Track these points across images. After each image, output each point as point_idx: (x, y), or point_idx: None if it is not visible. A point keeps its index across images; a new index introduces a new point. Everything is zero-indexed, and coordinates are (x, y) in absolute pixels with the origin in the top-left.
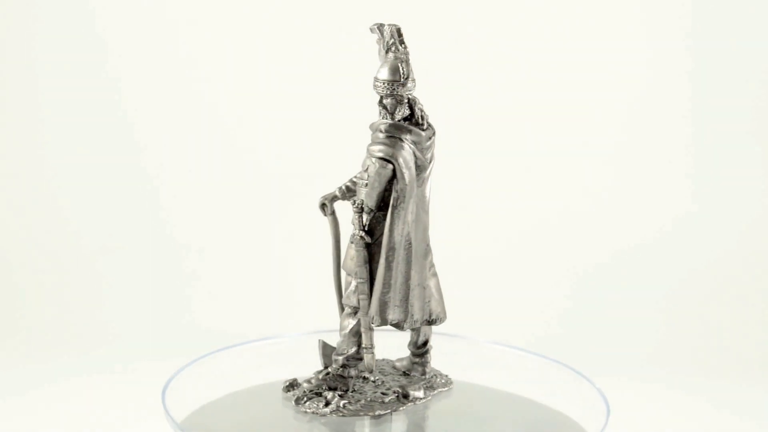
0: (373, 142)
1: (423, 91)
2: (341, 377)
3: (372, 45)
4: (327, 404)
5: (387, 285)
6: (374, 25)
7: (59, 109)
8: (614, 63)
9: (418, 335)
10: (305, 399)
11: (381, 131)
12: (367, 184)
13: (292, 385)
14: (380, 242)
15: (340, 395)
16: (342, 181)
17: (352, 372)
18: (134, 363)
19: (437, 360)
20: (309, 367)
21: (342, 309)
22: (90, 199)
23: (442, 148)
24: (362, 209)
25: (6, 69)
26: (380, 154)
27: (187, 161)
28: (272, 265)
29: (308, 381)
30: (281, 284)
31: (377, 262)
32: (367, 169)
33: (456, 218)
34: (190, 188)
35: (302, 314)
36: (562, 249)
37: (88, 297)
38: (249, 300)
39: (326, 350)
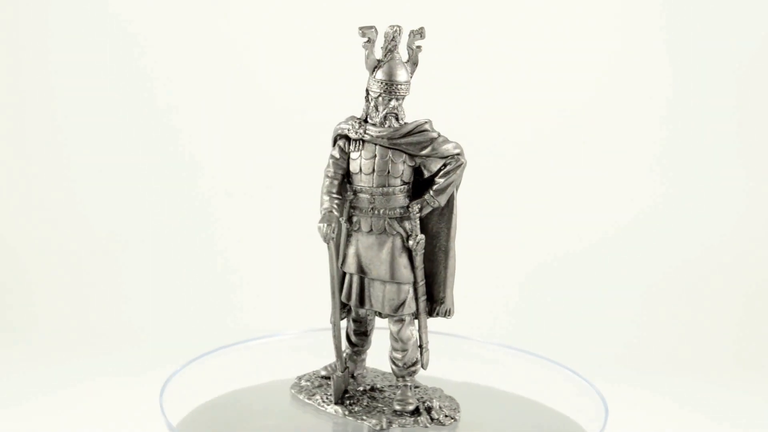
0: (440, 143)
1: (425, 91)
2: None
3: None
4: (433, 419)
5: (454, 277)
6: (367, 27)
7: (78, 106)
8: (592, 61)
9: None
10: (431, 419)
11: (429, 130)
12: (438, 187)
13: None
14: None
15: (433, 405)
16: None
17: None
18: (132, 363)
19: (439, 360)
20: (306, 366)
21: (336, 330)
22: (85, 202)
23: None
24: (421, 211)
25: (25, 68)
26: (457, 151)
27: (186, 163)
28: (268, 264)
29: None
30: (277, 283)
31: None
32: (399, 173)
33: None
34: (186, 189)
35: (298, 313)
36: (563, 250)
37: (85, 298)
38: (245, 299)
39: (337, 383)
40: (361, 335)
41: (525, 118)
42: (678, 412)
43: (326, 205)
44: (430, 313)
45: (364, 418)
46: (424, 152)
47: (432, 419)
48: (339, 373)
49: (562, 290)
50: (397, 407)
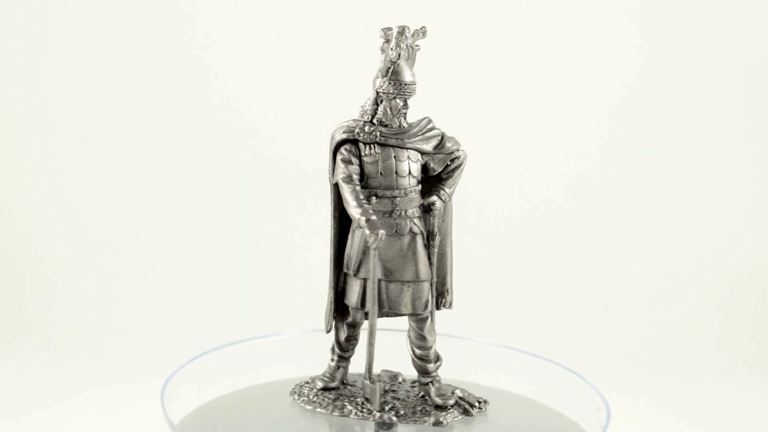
0: (447, 139)
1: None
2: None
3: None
4: (473, 406)
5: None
6: (387, 29)
7: (99, 106)
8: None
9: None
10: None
11: (435, 128)
12: (450, 183)
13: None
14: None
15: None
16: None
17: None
18: (133, 363)
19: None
20: (305, 366)
21: (372, 338)
22: (82, 205)
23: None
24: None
25: (54, 63)
26: (459, 147)
27: (182, 166)
28: (268, 263)
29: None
30: (278, 283)
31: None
32: (417, 173)
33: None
34: (185, 190)
35: (298, 313)
36: (562, 250)
37: (84, 299)
38: (245, 299)
39: (376, 392)
40: (352, 340)
41: (514, 115)
42: (679, 413)
43: (363, 212)
44: (437, 306)
45: (417, 419)
46: (436, 149)
47: (472, 406)
48: (368, 382)
49: (563, 290)
50: (439, 402)
